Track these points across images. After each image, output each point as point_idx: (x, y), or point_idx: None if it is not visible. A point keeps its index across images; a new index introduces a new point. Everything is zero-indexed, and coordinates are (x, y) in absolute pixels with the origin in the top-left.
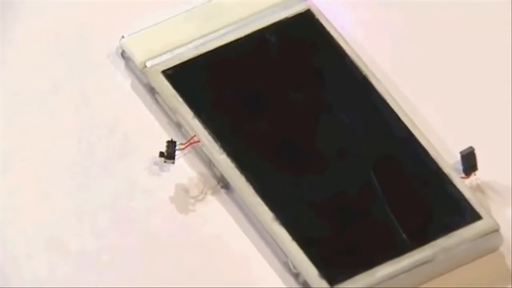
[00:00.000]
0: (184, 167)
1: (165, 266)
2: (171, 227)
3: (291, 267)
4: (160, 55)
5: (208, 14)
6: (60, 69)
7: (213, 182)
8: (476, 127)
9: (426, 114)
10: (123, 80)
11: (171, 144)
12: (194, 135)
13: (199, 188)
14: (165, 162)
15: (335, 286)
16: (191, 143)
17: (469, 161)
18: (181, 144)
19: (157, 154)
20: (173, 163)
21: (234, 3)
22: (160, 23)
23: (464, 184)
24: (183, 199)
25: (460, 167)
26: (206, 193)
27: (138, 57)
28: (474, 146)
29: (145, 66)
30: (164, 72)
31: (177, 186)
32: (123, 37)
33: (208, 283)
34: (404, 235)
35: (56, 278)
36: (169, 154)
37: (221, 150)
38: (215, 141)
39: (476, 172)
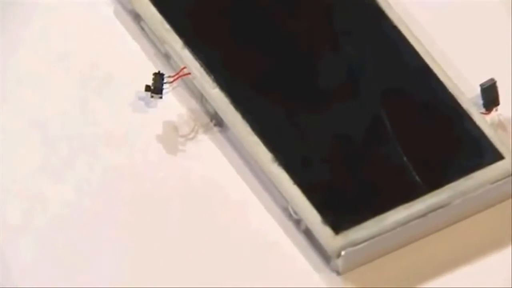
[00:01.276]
0: (173, 103)
1: (153, 213)
2: (159, 169)
3: (292, 213)
4: None
5: None
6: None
7: (205, 119)
8: (497, 57)
9: (443, 44)
10: (106, 7)
11: (158, 77)
12: (184, 67)
13: (190, 126)
14: (151, 97)
15: (340, 234)
16: (180, 76)
17: (490, 95)
18: (170, 76)
19: (143, 88)
20: (161, 97)
21: None
22: None
23: (484, 120)
24: (172, 138)
25: (480, 102)
26: (197, 131)
27: None
28: (496, 78)
29: None
30: None
31: (166, 124)
32: None
33: (201, 232)
34: (417, 178)
35: (33, 227)
36: (156, 88)
37: (214, 84)
38: (208, 73)
39: (498, 107)
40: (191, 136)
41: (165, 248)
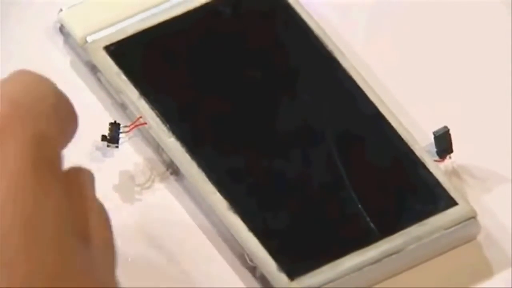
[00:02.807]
0: (129, 152)
1: None
2: (116, 218)
3: (248, 260)
4: (102, 29)
5: None
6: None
7: (162, 168)
8: (450, 105)
9: (396, 92)
10: (62, 58)
11: (114, 127)
12: (140, 117)
13: (146, 175)
14: (108, 146)
15: (295, 279)
16: (136, 125)
17: (443, 143)
18: (126, 126)
19: (96, 139)
20: (117, 147)
21: None
22: None
23: (438, 168)
24: (129, 187)
25: (434, 150)
26: (153, 180)
27: (78, 32)
28: (449, 127)
29: (86, 42)
30: (107, 48)
31: (122, 173)
32: (61, 10)
33: (157, 280)
34: (371, 224)
35: None
36: (112, 137)
37: (170, 133)
38: (163, 123)
39: (451, 155)
40: (147, 185)
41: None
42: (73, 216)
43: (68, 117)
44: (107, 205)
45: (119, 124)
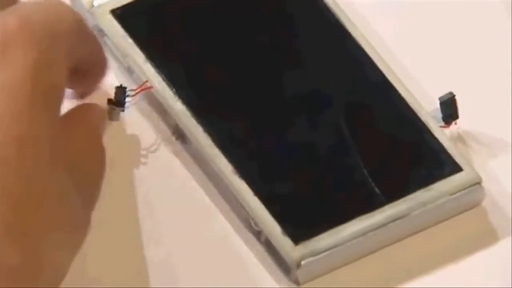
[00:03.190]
0: (135, 116)
1: (114, 227)
2: (121, 182)
3: (253, 224)
4: None
5: None
6: None
7: (167, 132)
8: (456, 72)
9: (403, 58)
10: None
11: (121, 90)
12: (146, 81)
13: (152, 139)
14: (114, 110)
15: (300, 244)
16: (142, 89)
17: (449, 109)
18: (132, 90)
19: (102, 102)
20: (123, 111)
21: None
22: None
23: (443, 133)
24: (134, 151)
25: (439, 115)
26: (159, 144)
27: None
28: (455, 92)
29: (93, 6)
30: (113, 12)
31: (128, 137)
32: None
33: (162, 240)
34: (376, 189)
35: None
36: (118, 101)
37: (176, 97)
38: (170, 87)
39: (457, 121)
40: (153, 148)
41: (131, 247)
42: (63, 147)
43: (85, 46)
44: (112, 170)
45: (125, 88)
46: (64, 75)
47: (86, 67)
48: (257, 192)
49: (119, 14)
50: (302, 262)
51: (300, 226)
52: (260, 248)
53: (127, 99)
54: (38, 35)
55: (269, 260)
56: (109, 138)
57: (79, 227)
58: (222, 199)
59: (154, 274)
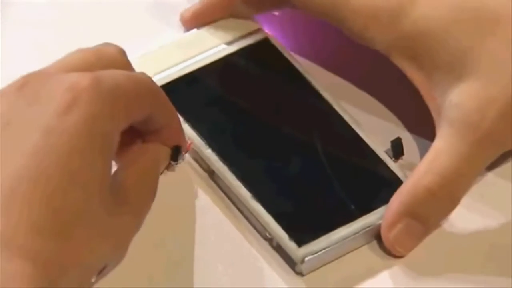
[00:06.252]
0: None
1: (164, 232)
2: (170, 213)
3: (267, 234)
4: (156, 74)
5: (192, 42)
6: None
7: (202, 172)
8: (401, 121)
9: (364, 113)
10: None
11: (177, 149)
12: (191, 143)
13: (193, 177)
14: (170, 163)
15: (302, 246)
16: (189, 146)
17: (397, 148)
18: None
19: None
20: (177, 164)
21: (210, 34)
22: (155, 49)
23: (395, 165)
24: (182, 186)
25: (391, 153)
26: (197, 181)
27: None
28: (401, 136)
29: None
30: (162, 87)
31: (177, 179)
32: None
33: (202, 249)
34: (352, 206)
35: None
36: (175, 157)
37: (207, 146)
38: (202, 139)
39: (403, 157)
40: (192, 185)
41: (161, 250)
42: (113, 182)
43: (152, 108)
44: (166, 196)
45: (180, 147)
46: (121, 127)
47: (159, 127)
48: (269, 211)
49: (166, 88)
50: (305, 259)
51: (302, 233)
52: (273, 251)
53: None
54: (104, 91)
55: (279, 259)
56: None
57: (117, 246)
58: (243, 217)
59: (180, 273)
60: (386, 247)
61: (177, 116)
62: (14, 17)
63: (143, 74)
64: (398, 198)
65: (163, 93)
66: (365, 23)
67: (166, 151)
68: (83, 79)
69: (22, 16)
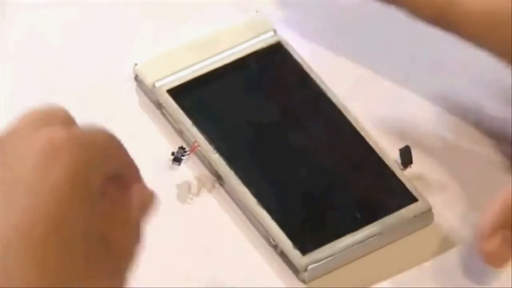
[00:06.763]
0: (188, 166)
1: (167, 242)
2: (171, 215)
3: (271, 240)
4: (165, 77)
5: (203, 45)
6: (86, 90)
7: (209, 177)
8: (412, 129)
9: (373, 121)
10: (135, 98)
11: (181, 150)
12: (195, 141)
13: (201, 182)
14: (172, 163)
15: (306, 255)
16: (194, 148)
17: (406, 156)
18: (185, 150)
19: (162, 158)
20: (179, 165)
21: (221, 37)
22: (165, 52)
23: (403, 174)
24: (184, 190)
25: (399, 161)
26: (203, 185)
27: (148, 80)
28: (410, 144)
29: (154, 87)
30: (169, 91)
31: (179, 184)
32: (136, 64)
33: (206, 253)
34: (358, 215)
35: None
36: (177, 158)
37: (215, 151)
38: (210, 144)
39: (412, 165)
40: (196, 190)
41: (171, 262)
42: (99, 225)
43: (119, 158)
44: (165, 207)
45: (185, 149)
46: (100, 176)
47: (123, 173)
48: (274, 218)
49: (173, 92)
50: (308, 268)
51: (306, 241)
52: (277, 258)
53: (183, 157)
54: (83, 144)
55: (284, 266)
56: (165, 183)
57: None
58: (249, 222)
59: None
60: (483, 260)
61: (136, 167)
62: (17, 17)
63: (102, 127)
64: (492, 210)
65: (120, 144)
66: (480, 26)
67: (148, 195)
68: (60, 131)
69: (27, 18)
